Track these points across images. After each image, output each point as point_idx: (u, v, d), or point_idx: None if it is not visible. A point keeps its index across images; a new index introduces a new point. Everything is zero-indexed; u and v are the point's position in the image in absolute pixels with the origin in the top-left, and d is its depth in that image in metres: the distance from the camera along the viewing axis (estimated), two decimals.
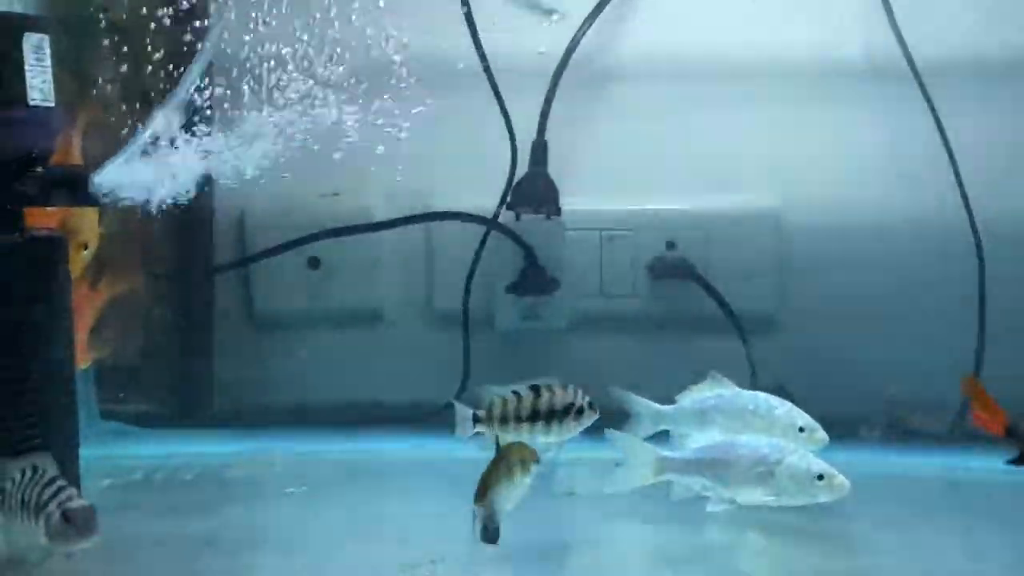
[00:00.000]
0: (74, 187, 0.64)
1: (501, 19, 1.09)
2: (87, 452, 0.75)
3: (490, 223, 1.07)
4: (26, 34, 0.63)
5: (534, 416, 0.68)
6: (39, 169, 0.65)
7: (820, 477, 0.74)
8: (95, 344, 0.85)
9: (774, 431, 0.78)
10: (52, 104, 0.66)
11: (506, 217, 1.13)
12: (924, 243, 1.09)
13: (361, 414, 1.10)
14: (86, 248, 0.80)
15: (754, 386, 1.03)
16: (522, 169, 1.12)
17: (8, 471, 0.60)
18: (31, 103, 0.64)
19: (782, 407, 0.80)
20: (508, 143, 1.09)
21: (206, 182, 0.77)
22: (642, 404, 0.82)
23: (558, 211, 1.13)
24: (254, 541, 0.75)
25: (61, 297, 0.68)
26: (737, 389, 0.82)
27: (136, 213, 0.83)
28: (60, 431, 0.68)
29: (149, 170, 0.67)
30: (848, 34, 1.09)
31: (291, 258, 1.15)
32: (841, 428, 0.85)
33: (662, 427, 0.82)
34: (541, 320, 1.14)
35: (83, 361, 0.84)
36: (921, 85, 1.05)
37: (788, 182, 1.13)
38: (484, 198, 1.12)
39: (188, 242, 1.08)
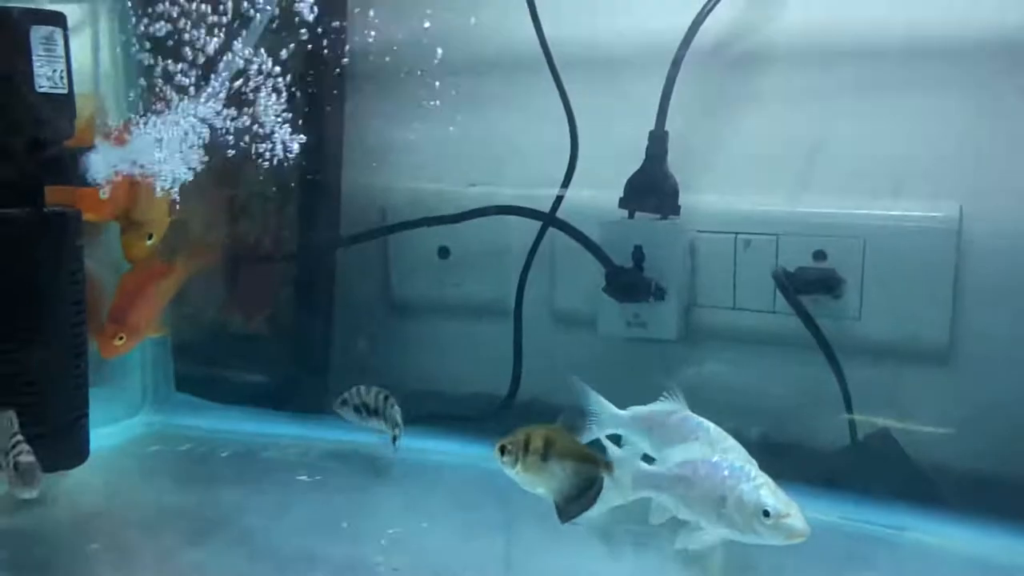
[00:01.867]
0: (63, 169, 0.69)
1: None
2: (155, 418, 0.82)
3: (547, 219, 0.97)
4: (34, 27, 0.70)
5: None
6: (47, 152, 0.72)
7: (766, 514, 0.62)
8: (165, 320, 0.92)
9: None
10: (64, 91, 0.72)
11: (619, 214, 1.03)
12: None
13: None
14: (150, 238, 0.87)
15: (852, 434, 0.85)
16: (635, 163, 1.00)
17: None
18: (39, 90, 0.71)
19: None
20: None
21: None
22: (601, 404, 0.79)
23: (676, 210, 1.01)
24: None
25: (71, 267, 0.75)
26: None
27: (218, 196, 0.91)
28: (63, 392, 0.75)
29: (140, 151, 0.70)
30: None
31: (423, 246, 1.15)
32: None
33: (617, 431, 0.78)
34: (646, 329, 1.02)
35: (155, 332, 0.92)
36: None
37: (970, 186, 0.89)
38: (603, 195, 1.03)
39: (314, 226, 1.13)
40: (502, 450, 0.69)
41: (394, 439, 0.84)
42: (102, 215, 0.82)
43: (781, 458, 0.81)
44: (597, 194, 1.03)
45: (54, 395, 0.75)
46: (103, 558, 0.69)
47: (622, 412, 0.79)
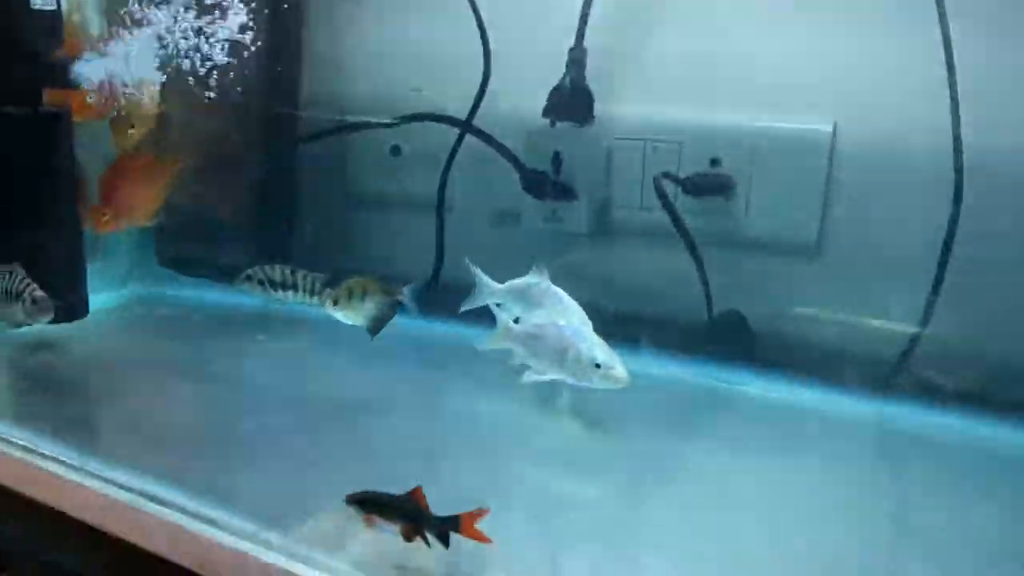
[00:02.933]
0: (56, 74, 0.84)
1: None
2: (140, 289, 0.99)
3: (464, 126, 1.12)
4: None
5: None
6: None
7: (597, 366, 0.80)
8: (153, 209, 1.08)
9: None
10: (53, 7, 0.87)
11: (543, 122, 1.18)
12: None
13: None
14: (132, 128, 1.02)
15: (708, 311, 1.03)
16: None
17: None
18: (33, 7, 0.86)
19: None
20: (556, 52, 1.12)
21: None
22: (485, 280, 0.97)
23: (591, 120, 1.15)
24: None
25: (64, 157, 0.91)
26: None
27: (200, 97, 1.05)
28: (65, 262, 0.93)
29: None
30: None
31: (378, 145, 1.31)
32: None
33: (495, 301, 0.95)
34: (562, 224, 1.19)
35: (146, 221, 1.08)
36: None
37: (844, 104, 1.03)
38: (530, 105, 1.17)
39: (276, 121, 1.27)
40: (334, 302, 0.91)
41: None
42: (89, 116, 0.97)
43: (645, 327, 1.00)
44: (524, 104, 1.16)
45: (57, 263, 0.92)
46: (109, 383, 0.91)
47: (499, 285, 0.96)
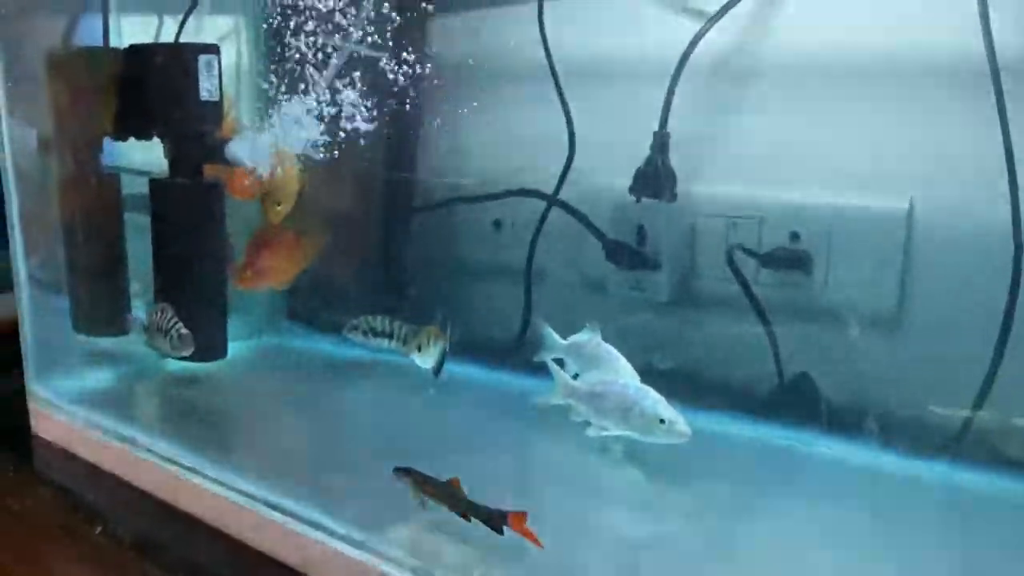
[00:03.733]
0: (214, 152, 1.03)
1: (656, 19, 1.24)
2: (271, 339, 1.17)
3: (551, 200, 1.25)
4: (200, 55, 1.04)
5: None
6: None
7: (662, 421, 0.88)
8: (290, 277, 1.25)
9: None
10: (216, 99, 1.07)
11: (629, 199, 1.30)
12: None
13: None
14: (279, 205, 1.19)
15: (779, 376, 1.10)
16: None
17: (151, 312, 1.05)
18: (202, 99, 1.05)
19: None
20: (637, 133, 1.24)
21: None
22: (550, 335, 1.07)
23: (673, 197, 1.26)
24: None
25: (213, 220, 1.09)
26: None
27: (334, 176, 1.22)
28: (211, 310, 1.11)
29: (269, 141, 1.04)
30: (1001, 35, 1.02)
31: (481, 219, 1.46)
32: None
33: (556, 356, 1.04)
34: (644, 292, 1.29)
35: (280, 286, 1.26)
36: None
37: (920, 184, 1.09)
38: (620, 182, 1.29)
39: (395, 198, 1.45)
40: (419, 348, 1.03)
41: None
42: (246, 196, 1.16)
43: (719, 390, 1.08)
44: (614, 182, 1.28)
45: (204, 309, 1.10)
46: (254, 409, 1.07)
47: (563, 341, 1.04)
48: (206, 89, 1.04)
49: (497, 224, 1.44)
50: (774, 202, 1.19)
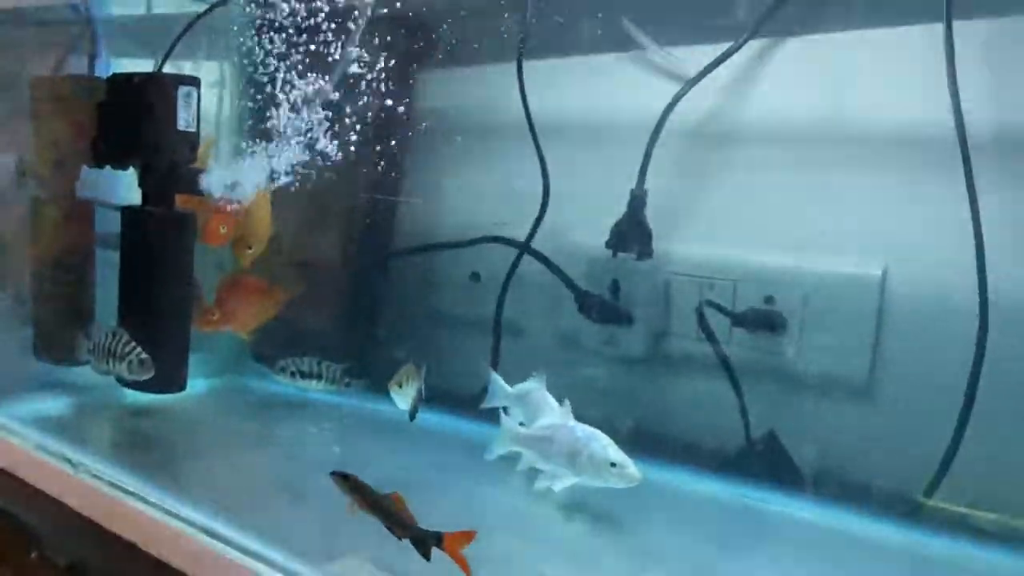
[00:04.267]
0: (188, 182, 1.03)
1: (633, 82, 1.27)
2: (235, 379, 1.15)
3: (524, 248, 1.25)
4: (180, 86, 1.05)
5: None
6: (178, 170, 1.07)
7: (613, 465, 0.85)
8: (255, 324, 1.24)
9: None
10: (193, 129, 1.07)
11: (605, 253, 1.30)
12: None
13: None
14: (250, 248, 1.18)
15: (746, 433, 1.08)
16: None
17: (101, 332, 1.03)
18: (179, 128, 1.06)
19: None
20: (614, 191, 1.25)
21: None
22: (498, 383, 1.04)
23: (649, 254, 1.27)
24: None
25: (183, 250, 1.09)
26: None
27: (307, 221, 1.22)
28: (172, 341, 1.09)
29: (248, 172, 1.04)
30: (973, 105, 1.04)
31: (459, 270, 1.46)
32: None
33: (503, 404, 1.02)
34: (618, 348, 1.28)
35: (245, 331, 1.24)
36: None
37: (894, 251, 1.10)
38: (595, 237, 1.30)
39: (373, 244, 1.45)
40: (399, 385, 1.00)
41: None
42: (219, 242, 1.15)
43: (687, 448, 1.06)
44: (591, 236, 1.29)
45: (165, 339, 1.08)
46: (204, 442, 1.05)
47: (510, 389, 1.03)
48: (183, 119, 1.05)
49: (475, 276, 1.44)
50: (747, 264, 1.19)
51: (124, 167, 1.13)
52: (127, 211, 1.10)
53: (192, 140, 1.07)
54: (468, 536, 0.64)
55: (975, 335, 0.99)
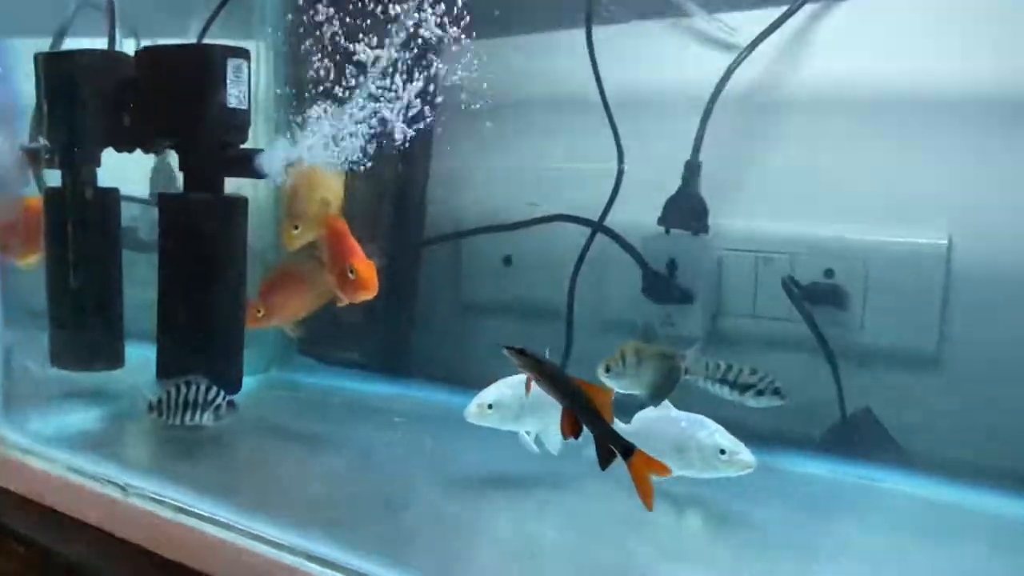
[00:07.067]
0: (245, 164, 0.93)
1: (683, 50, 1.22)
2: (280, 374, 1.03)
3: (596, 226, 1.19)
4: (229, 59, 0.95)
5: None
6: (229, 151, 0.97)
7: (722, 452, 0.79)
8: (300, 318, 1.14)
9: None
10: (245, 107, 0.97)
11: (658, 230, 1.24)
12: None
13: None
14: (296, 229, 1.05)
15: (842, 413, 1.05)
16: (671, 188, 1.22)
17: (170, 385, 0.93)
18: (229, 106, 0.96)
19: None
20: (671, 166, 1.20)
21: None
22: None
23: (705, 229, 1.22)
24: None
25: (237, 237, 0.99)
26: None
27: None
28: (228, 342, 0.99)
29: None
30: None
31: (492, 254, 1.38)
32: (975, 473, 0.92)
33: None
34: (676, 328, 1.23)
35: (290, 324, 1.14)
36: None
37: (959, 219, 1.08)
38: (646, 214, 1.24)
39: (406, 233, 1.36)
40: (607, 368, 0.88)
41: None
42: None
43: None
44: (640, 213, 1.24)
45: (222, 344, 0.99)
46: (268, 448, 0.97)
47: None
48: (233, 96, 0.95)
49: (508, 260, 1.37)
50: (807, 237, 1.16)
51: (156, 150, 1.02)
52: (168, 199, 0.99)
53: (243, 120, 0.97)
54: (660, 466, 0.55)
55: None
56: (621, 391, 0.89)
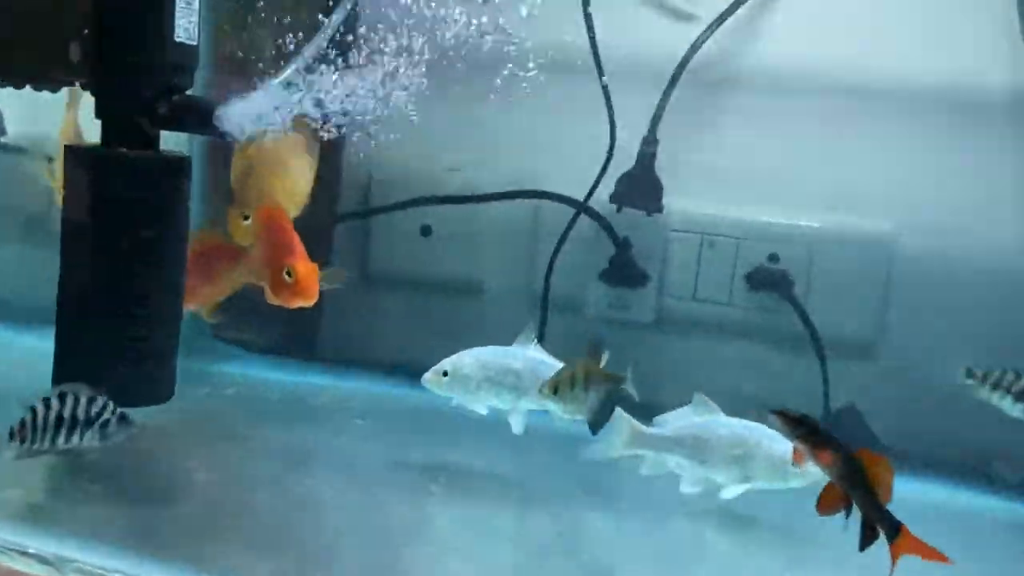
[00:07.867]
0: (203, 116, 0.72)
1: (635, 19, 1.14)
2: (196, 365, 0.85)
3: (581, 207, 1.10)
4: None
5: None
6: (175, 97, 0.75)
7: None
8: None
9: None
10: (195, 43, 0.76)
11: (607, 208, 1.16)
12: None
13: None
14: (247, 219, 0.86)
15: (826, 407, 1.04)
16: (626, 164, 1.14)
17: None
18: (176, 40, 0.74)
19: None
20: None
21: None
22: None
23: (660, 209, 1.16)
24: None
25: (181, 205, 0.77)
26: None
27: None
28: (163, 335, 0.78)
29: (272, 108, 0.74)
30: (984, 61, 1.06)
31: (406, 224, 1.23)
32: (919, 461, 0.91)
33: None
34: (629, 312, 1.16)
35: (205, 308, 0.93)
36: None
37: (904, 206, 1.10)
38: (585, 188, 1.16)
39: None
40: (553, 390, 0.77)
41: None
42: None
43: None
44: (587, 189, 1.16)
45: (157, 337, 0.78)
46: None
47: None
48: (183, 27, 0.74)
49: (427, 230, 1.24)
50: (753, 223, 1.15)
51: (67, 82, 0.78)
52: (85, 156, 0.76)
53: (193, 58, 0.76)
54: (933, 552, 0.48)
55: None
56: (567, 416, 0.79)
